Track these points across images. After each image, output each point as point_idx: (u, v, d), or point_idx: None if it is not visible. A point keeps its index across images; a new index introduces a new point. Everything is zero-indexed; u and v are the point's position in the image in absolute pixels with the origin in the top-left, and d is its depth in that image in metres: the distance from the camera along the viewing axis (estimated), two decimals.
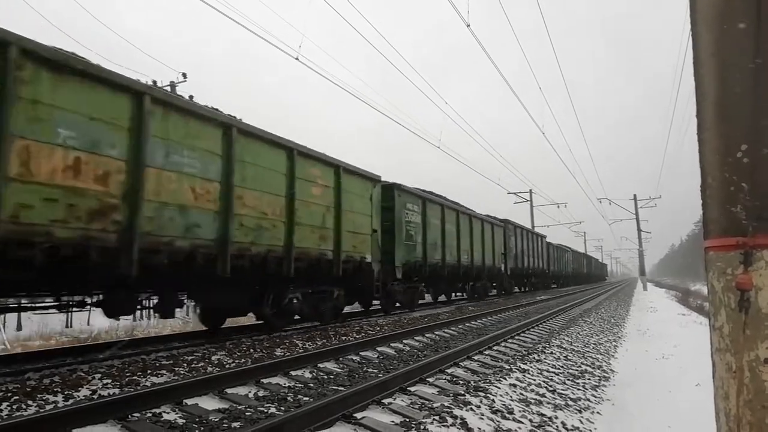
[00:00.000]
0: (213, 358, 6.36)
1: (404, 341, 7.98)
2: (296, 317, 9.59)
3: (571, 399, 5.25)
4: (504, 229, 23.25)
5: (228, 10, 11.70)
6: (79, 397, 4.42)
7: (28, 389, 4.51)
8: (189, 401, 4.21)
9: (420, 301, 15.60)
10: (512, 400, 4.72)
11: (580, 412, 4.89)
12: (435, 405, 4.29)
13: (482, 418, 4.03)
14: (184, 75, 20.77)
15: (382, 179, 12.15)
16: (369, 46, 12.28)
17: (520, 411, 4.42)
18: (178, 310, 8.09)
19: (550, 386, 5.58)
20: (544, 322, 11.65)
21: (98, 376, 5.16)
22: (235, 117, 7.78)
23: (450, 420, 3.85)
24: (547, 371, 6.30)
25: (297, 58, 10.37)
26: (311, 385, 5.04)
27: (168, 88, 19.76)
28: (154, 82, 18.61)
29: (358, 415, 3.89)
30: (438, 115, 18.81)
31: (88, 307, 6.61)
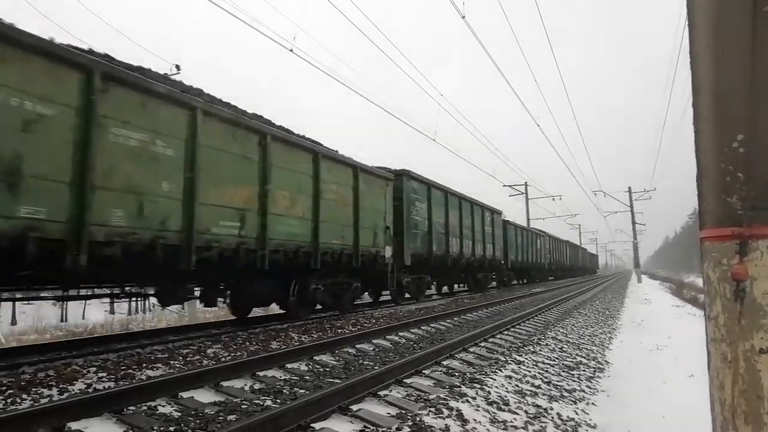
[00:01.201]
0: (208, 351, 6.35)
1: (400, 333, 8.00)
2: None
3: (567, 390, 5.28)
4: (400, 185, 13.29)
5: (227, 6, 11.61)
6: (74, 390, 4.40)
7: (23, 383, 4.49)
8: (184, 394, 4.20)
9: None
10: (508, 392, 4.73)
11: (575, 403, 4.92)
12: (431, 397, 4.30)
13: (478, 410, 4.05)
14: (178, 67, 20.60)
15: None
16: (371, 42, 12.22)
17: (515, 402, 4.44)
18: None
19: (546, 378, 5.61)
20: (539, 314, 11.70)
21: (93, 369, 5.14)
22: None
23: (446, 412, 3.86)
24: (543, 363, 6.33)
25: (291, 50, 10.31)
26: (307, 377, 5.05)
27: None
28: None
29: (354, 407, 3.90)
30: (434, 108, 18.73)
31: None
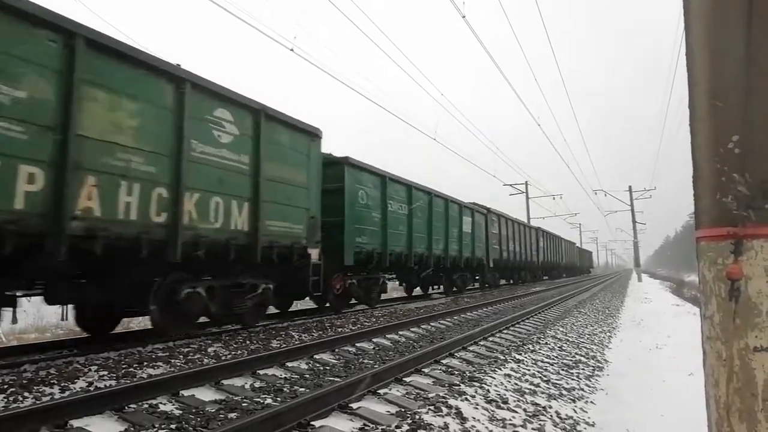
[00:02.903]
0: (209, 349, 6.37)
1: (400, 332, 8.02)
2: None
3: (566, 389, 5.30)
4: None
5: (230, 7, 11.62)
6: (75, 389, 4.43)
7: (25, 381, 4.52)
8: (185, 392, 4.23)
9: None
10: (507, 390, 4.75)
11: (574, 401, 4.94)
12: (430, 395, 4.32)
13: (477, 408, 4.06)
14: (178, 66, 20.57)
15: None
16: (378, 47, 12.23)
17: (514, 400, 4.46)
18: None
19: (545, 376, 5.62)
20: (539, 312, 11.72)
21: (94, 368, 5.16)
22: None
23: (445, 410, 3.87)
24: (542, 361, 6.34)
25: (292, 50, 10.33)
26: (307, 376, 5.07)
27: None
28: None
29: (354, 405, 3.92)
30: (434, 108, 18.70)
31: None
